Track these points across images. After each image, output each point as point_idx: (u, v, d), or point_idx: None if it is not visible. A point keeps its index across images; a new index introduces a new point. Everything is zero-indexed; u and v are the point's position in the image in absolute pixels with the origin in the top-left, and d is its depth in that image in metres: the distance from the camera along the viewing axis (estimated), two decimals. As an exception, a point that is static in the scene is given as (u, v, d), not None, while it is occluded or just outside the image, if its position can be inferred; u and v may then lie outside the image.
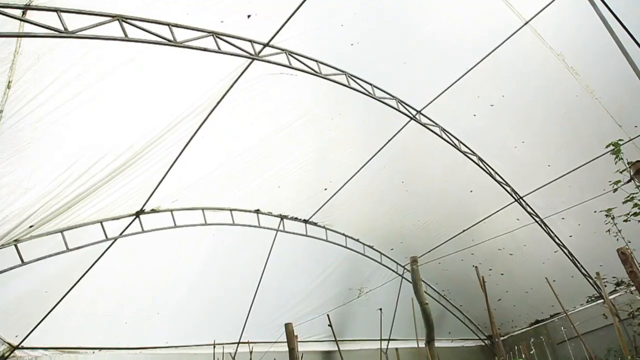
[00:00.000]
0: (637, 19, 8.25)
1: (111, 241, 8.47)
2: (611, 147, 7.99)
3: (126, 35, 5.82)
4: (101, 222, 8.14)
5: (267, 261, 11.11)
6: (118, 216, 8.39)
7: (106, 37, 5.65)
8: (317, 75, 8.05)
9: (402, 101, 9.37)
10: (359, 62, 8.41)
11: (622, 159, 7.77)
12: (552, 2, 8.10)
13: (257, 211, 10.48)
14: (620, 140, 8.28)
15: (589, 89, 9.29)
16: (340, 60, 8.29)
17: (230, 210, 9.95)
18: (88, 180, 7.17)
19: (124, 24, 5.81)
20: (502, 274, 13.22)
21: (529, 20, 8.35)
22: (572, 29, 8.46)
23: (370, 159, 10.29)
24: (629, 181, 5.39)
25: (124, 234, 8.61)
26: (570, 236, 11.97)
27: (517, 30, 8.44)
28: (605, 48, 7.43)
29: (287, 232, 11.18)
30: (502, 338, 14.18)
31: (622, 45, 5.88)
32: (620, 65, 6.07)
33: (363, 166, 10.39)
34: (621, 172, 7.74)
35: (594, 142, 9.78)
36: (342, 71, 8.40)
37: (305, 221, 11.43)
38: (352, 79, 8.55)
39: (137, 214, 8.65)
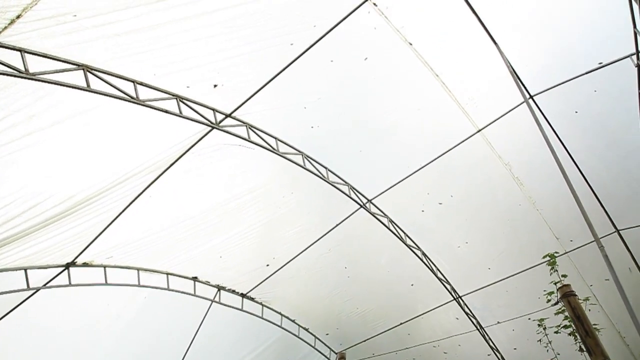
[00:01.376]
0: (576, 140, 8.89)
1: (32, 291, 7.98)
2: (547, 259, 8.28)
3: (88, 86, 5.81)
4: (25, 270, 7.69)
5: (197, 331, 10.66)
6: (46, 265, 7.95)
7: (67, 84, 5.62)
8: (274, 152, 8.17)
9: (354, 188, 9.55)
10: (317, 144, 8.62)
11: (556, 270, 8.04)
12: (503, 115, 8.66)
13: (195, 279, 10.16)
14: (556, 252, 8.61)
15: (532, 200, 9.74)
16: (299, 140, 8.48)
17: (167, 274, 9.61)
18: (21, 224, 6.84)
19: (88, 74, 5.81)
20: (435, 373, 13.07)
21: (482, 129, 8.84)
22: (521, 142, 8.97)
23: (316, 241, 10.29)
24: (556, 303, 5.51)
25: (48, 285, 8.15)
26: (514, 348, 12.04)
27: (470, 136, 8.91)
28: (548, 163, 7.85)
29: (222, 303, 10.82)
30: None
31: (560, 164, 6.28)
32: (561, 181, 6.44)
33: (308, 247, 10.35)
34: (555, 284, 7.98)
35: (533, 250, 10.12)
36: (300, 151, 8.56)
37: (243, 295, 11.12)
38: (308, 160, 8.71)
39: (67, 266, 8.23)
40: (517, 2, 7.17)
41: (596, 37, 7.70)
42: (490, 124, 8.78)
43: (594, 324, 7.26)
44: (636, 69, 7.78)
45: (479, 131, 8.81)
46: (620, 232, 10.03)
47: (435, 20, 7.26)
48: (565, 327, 7.73)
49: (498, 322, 11.80)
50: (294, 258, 10.50)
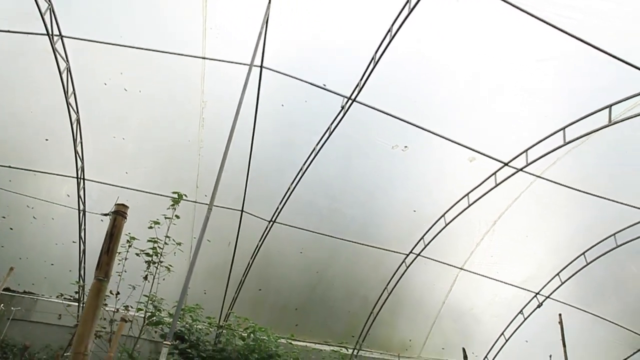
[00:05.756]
0: (265, 127, 9.58)
1: None
2: (175, 195, 8.57)
3: None
4: None
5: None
6: None
7: None
8: None
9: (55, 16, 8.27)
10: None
11: (174, 208, 8.45)
12: (231, 62, 8.78)
13: None
14: (185, 195, 8.98)
15: (200, 144, 10.15)
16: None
17: None
18: None
19: None
20: None
21: (206, 58, 8.83)
22: (228, 94, 9.04)
23: None
24: (106, 215, 5.65)
25: None
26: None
27: (193, 56, 8.80)
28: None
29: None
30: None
31: (233, 130, 6.61)
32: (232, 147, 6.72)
33: None
34: (165, 217, 8.33)
35: (169, 182, 10.42)
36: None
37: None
38: None
39: None
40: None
41: (343, 66, 8.56)
42: (216, 60, 8.83)
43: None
44: (340, 109, 8.88)
45: (202, 58, 8.73)
46: (243, 212, 11.24)
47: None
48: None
49: (102, 220, 11.69)
50: None
